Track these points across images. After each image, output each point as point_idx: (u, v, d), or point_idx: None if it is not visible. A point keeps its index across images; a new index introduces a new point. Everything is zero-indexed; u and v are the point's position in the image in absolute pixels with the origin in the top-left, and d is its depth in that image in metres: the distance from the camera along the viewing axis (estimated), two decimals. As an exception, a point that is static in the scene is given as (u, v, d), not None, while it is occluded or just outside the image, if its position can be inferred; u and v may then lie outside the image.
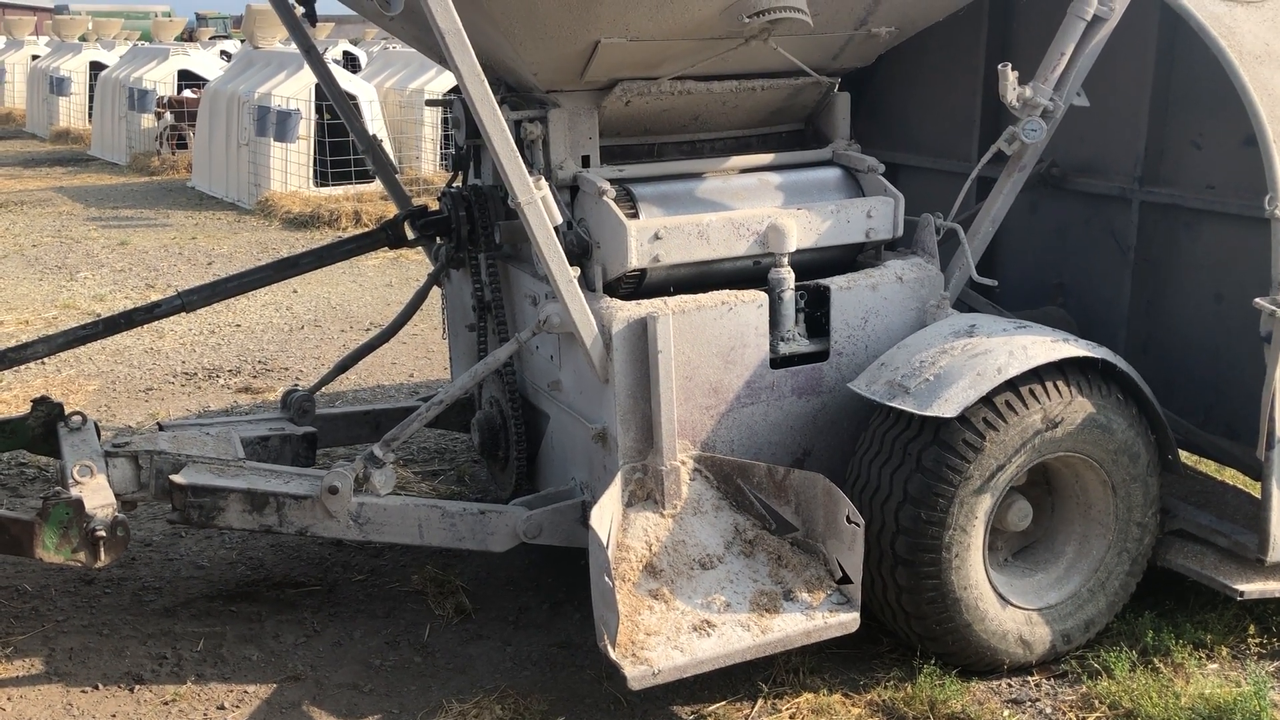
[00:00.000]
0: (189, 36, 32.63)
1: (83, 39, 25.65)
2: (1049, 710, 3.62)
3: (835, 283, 3.94)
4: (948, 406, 3.52)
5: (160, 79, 17.84)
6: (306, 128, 13.08)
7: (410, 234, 4.53)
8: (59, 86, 21.12)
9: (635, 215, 3.91)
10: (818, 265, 4.12)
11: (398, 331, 4.95)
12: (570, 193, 4.03)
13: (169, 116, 16.58)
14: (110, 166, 17.77)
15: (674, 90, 4.03)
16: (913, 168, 5.85)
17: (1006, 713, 3.61)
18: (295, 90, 13.36)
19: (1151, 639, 3.84)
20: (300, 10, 4.57)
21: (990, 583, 3.72)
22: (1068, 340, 3.71)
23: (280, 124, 12.46)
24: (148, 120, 17.06)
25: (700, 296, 3.77)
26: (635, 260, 3.76)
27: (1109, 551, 3.88)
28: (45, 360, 7.59)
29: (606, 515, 3.52)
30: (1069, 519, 3.96)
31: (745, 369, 3.84)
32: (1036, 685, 3.76)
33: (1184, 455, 4.27)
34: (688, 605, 3.54)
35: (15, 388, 7.02)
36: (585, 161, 4.03)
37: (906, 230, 4.25)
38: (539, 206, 3.42)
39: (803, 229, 3.96)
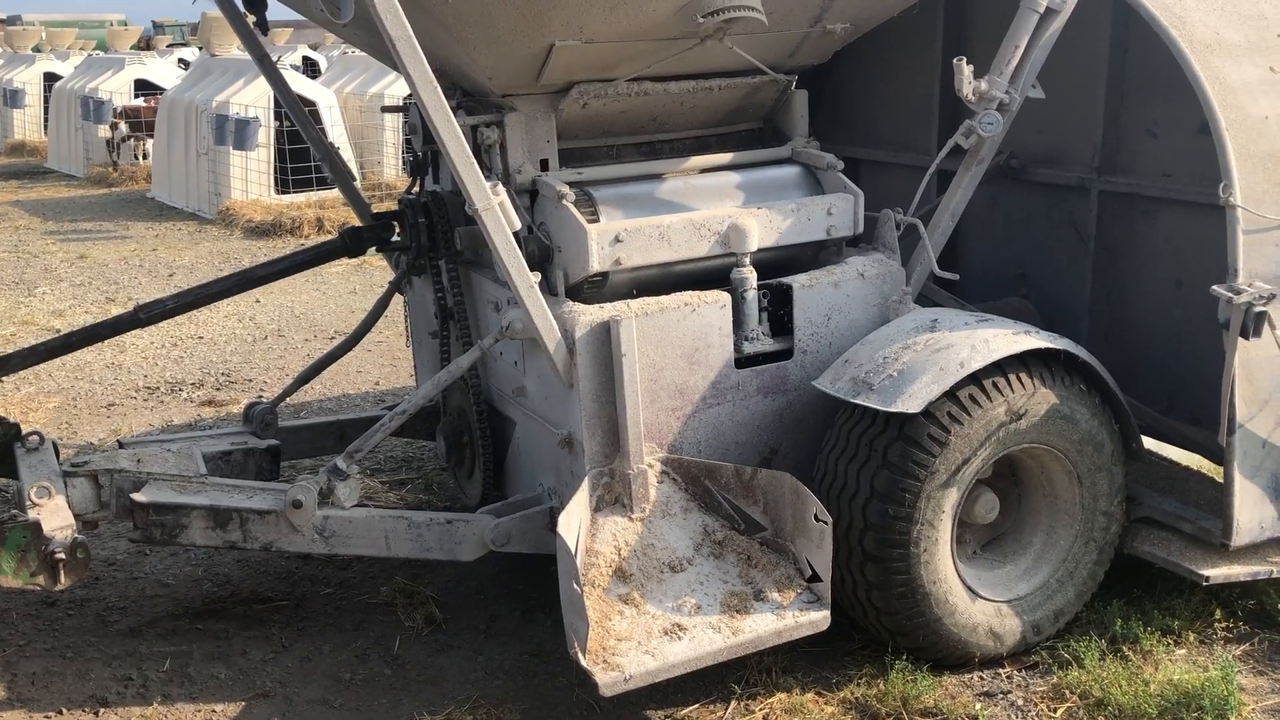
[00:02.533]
0: (146, 45, 32.29)
1: (36, 49, 25.32)
2: (1020, 702, 3.64)
3: (798, 281, 3.93)
4: (912, 402, 3.52)
5: (117, 89, 17.64)
6: (266, 135, 12.97)
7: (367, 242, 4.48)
8: (12, 99, 20.85)
9: (595, 218, 3.89)
10: (780, 264, 4.11)
11: (359, 341, 4.91)
12: (530, 197, 4.00)
13: (124, 127, 16.39)
14: (67, 179, 17.56)
15: (631, 91, 4.00)
16: (874, 162, 5.86)
17: (979, 706, 3.61)
18: (254, 98, 13.24)
19: (1120, 627, 3.86)
20: (251, 19, 4.51)
21: (959, 576, 3.73)
22: (1029, 332, 3.72)
23: (239, 132, 12.35)
24: (104, 131, 16.86)
25: (663, 298, 3.76)
26: (596, 264, 3.74)
27: (1076, 541, 3.90)
28: (3, 379, 7.49)
29: (574, 521, 3.50)
30: (1036, 510, 3.97)
31: (710, 369, 3.82)
32: (1008, 677, 3.77)
33: (1148, 442, 4.30)
34: (658, 609, 3.52)
35: (-27, 407, 6.91)
36: (544, 165, 4.00)
37: (868, 226, 4.25)
38: (497, 212, 3.39)
39: (764, 228, 3.95)
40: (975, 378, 3.61)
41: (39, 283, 10.39)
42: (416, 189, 4.56)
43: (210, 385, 7.28)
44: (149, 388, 7.25)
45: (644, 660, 3.33)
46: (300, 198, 13.27)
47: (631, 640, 3.40)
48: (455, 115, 4.00)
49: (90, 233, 12.89)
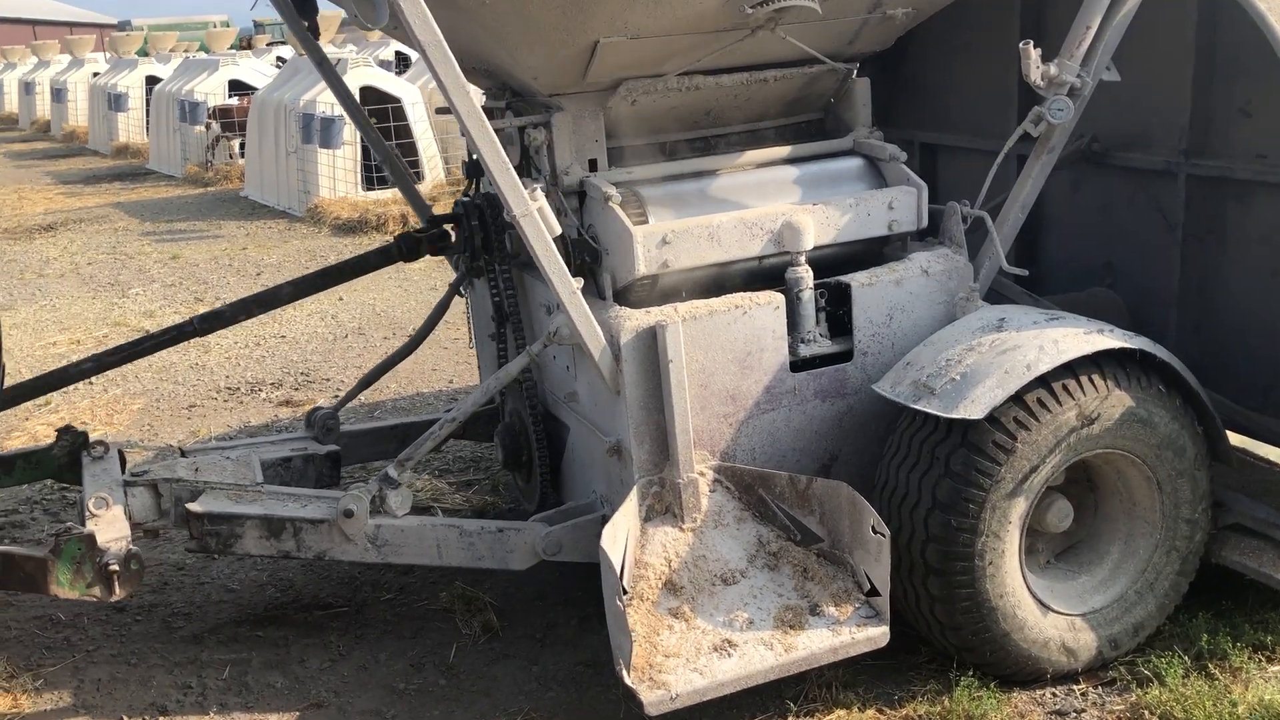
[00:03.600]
0: (246, 45, 33.03)
1: (140, 54, 26.07)
2: (1095, 722, 3.45)
3: (856, 279, 3.77)
4: (974, 408, 3.34)
5: (211, 90, 18.04)
6: (352, 133, 13.11)
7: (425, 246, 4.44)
8: (117, 103, 21.49)
9: (644, 219, 3.78)
10: (840, 261, 3.96)
11: (420, 343, 4.88)
12: (578, 199, 3.91)
13: (216, 127, 16.75)
14: (167, 179, 18.03)
15: (681, 87, 3.88)
16: (952, 148, 5.65)
17: (1050, 726, 3.44)
18: (339, 96, 13.37)
19: (1206, 642, 3.63)
20: (304, 23, 4.49)
21: (1028, 589, 3.54)
22: (1103, 331, 3.51)
23: (325, 130, 12.51)
24: (199, 131, 17.26)
25: (713, 301, 3.63)
26: (644, 267, 3.63)
27: (1157, 551, 3.68)
28: (93, 380, 7.68)
29: (621, 533, 3.41)
30: (1113, 518, 3.76)
31: (764, 374, 3.69)
32: (1083, 695, 3.57)
33: (1243, 442, 4.05)
34: (709, 624, 3.41)
35: (63, 409, 7.09)
36: (593, 165, 3.91)
37: (934, 221, 4.06)
38: (535, 218, 3.30)
39: (820, 225, 3.80)
40: (1044, 380, 3.42)
41: (132, 284, 10.66)
42: (473, 191, 4.51)
43: (289, 385, 7.36)
44: (229, 388, 7.36)
45: (692, 679, 3.22)
46: (386, 194, 13.39)
47: (680, 657, 3.30)
48: (504, 116, 3.96)
49: (184, 233, 13.19)
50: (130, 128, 21.75)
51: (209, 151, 17.18)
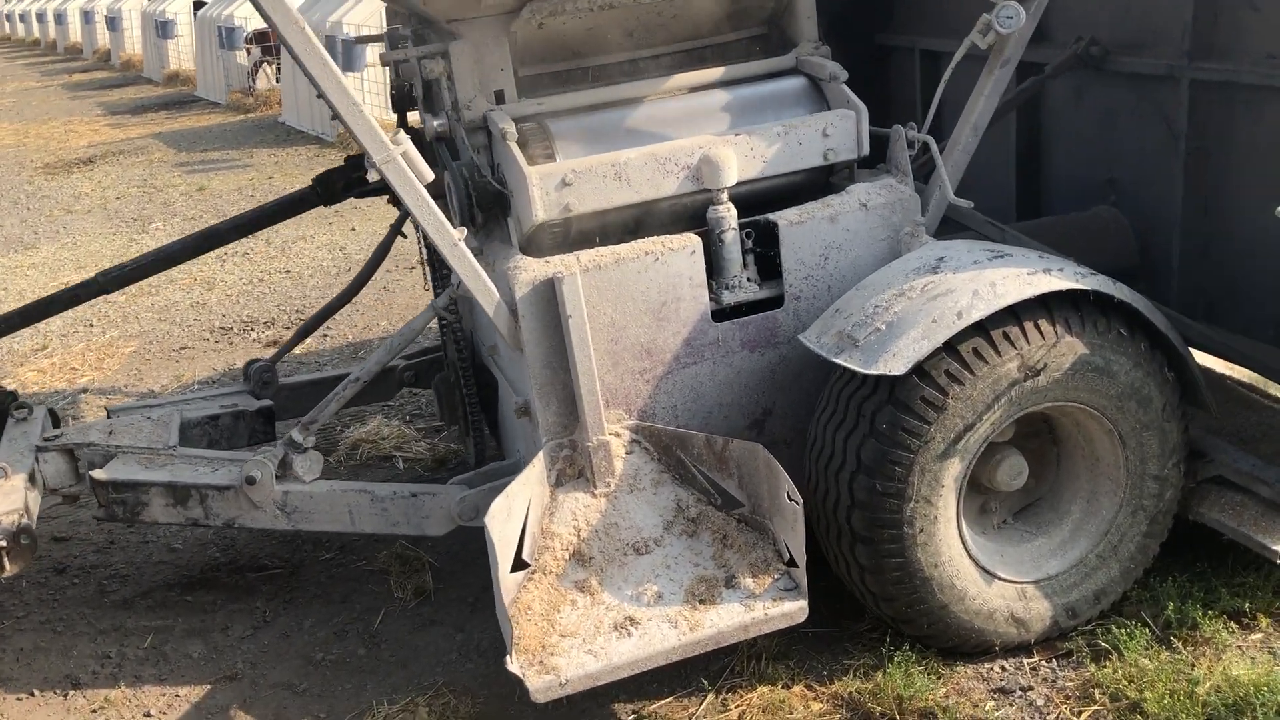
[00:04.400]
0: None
1: (189, -22, 25.90)
2: (1040, 701, 3.14)
3: (784, 217, 3.41)
4: (896, 362, 3.00)
5: (250, 14, 17.80)
6: (375, 55, 12.78)
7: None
8: (165, 30, 21.40)
9: (551, 157, 3.46)
10: (780, 196, 3.59)
11: (361, 288, 4.63)
12: (487, 135, 3.59)
13: (256, 51, 16.56)
14: (212, 106, 17.96)
15: (592, 6, 3.52)
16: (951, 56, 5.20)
17: (990, 705, 3.14)
18: (364, 16, 13.07)
19: (1174, 610, 3.28)
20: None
21: (970, 556, 3.22)
22: (1051, 270, 3.11)
23: (346, 53, 12.20)
24: (240, 57, 17.09)
25: (620, 248, 3.31)
26: (541, 212, 3.31)
27: (1121, 510, 3.32)
28: (93, 322, 7.62)
29: (518, 504, 3.16)
30: (1075, 474, 3.40)
31: (682, 325, 3.37)
32: (1033, 669, 3.26)
33: (1255, 378, 3.63)
34: (615, 598, 3.16)
35: (58, 354, 7.04)
36: (500, 98, 3.58)
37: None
38: (399, 164, 3.00)
39: (744, 157, 3.43)
40: (981, 328, 3.05)
41: (154, 219, 10.59)
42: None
43: (281, 324, 7.20)
44: (223, 328, 7.23)
45: (584, 661, 2.98)
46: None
47: (577, 637, 3.06)
48: (403, 47, 3.65)
49: (215, 163, 13.08)
50: (180, 55, 21.68)
51: (250, 77, 17.03)
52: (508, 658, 2.94)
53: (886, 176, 3.57)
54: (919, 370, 3.04)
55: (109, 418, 4.22)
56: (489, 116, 3.49)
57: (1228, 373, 4.14)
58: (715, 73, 3.72)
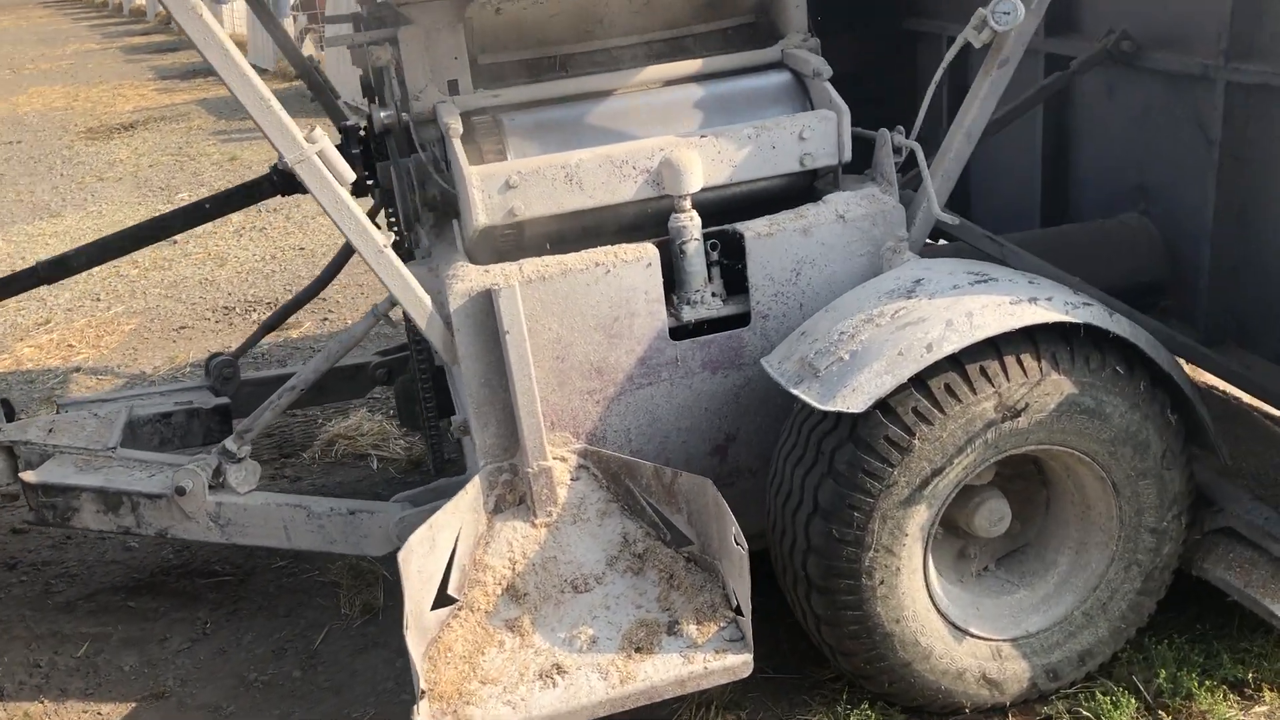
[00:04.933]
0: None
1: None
2: (1007, 776, 2.84)
3: (751, 228, 3.11)
4: (855, 398, 2.70)
5: (300, -20, 17.67)
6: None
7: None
8: (219, -6, 21.35)
9: (501, 155, 3.19)
10: (757, 203, 3.29)
11: (329, 282, 4.41)
12: (437, 127, 3.32)
13: (303, 18, 16.42)
14: (260, 74, 17.78)
15: (554, -9, 3.24)
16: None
17: (952, 777, 2.84)
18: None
19: (1166, 678, 2.96)
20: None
21: (938, 611, 2.92)
22: (1037, 299, 2.78)
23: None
24: (287, 24, 16.95)
25: (567, 258, 3.03)
26: (483, 216, 3.05)
27: (1112, 564, 3.00)
28: (100, 296, 7.50)
29: (443, 535, 2.92)
30: (1063, 521, 3.08)
31: (636, 343, 3.10)
32: (1006, 736, 2.96)
33: None
34: (547, 641, 2.91)
35: (59, 329, 6.92)
36: (453, 88, 3.31)
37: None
38: (314, 164, 2.75)
39: (710, 162, 3.13)
40: (956, 362, 2.74)
41: (181, 189, 10.47)
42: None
43: (285, 305, 7.01)
44: (226, 308, 7.07)
45: (501, 714, 2.73)
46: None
47: (498, 684, 2.81)
48: (352, 30, 3.40)
49: (251, 132, 12.93)
50: (235, 20, 21.60)
51: (298, 43, 16.89)
52: (415, 707, 2.70)
53: (870, 186, 3.25)
54: (884, 406, 2.74)
55: (56, 412, 4.04)
56: (437, 109, 3.22)
57: (1254, 405, 3.78)
58: (692, 65, 3.42)
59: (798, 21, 3.49)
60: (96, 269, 7.11)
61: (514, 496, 3.11)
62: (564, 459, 3.11)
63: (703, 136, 3.12)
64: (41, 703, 3.47)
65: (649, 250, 3.05)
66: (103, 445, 3.68)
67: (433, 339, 3.01)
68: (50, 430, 3.78)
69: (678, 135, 3.13)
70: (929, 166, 3.17)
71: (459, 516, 2.99)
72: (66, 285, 7.75)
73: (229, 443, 3.44)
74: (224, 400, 4.17)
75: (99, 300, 7.42)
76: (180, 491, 3.38)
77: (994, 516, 3.00)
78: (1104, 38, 3.97)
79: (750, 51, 3.47)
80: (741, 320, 3.16)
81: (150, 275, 7.82)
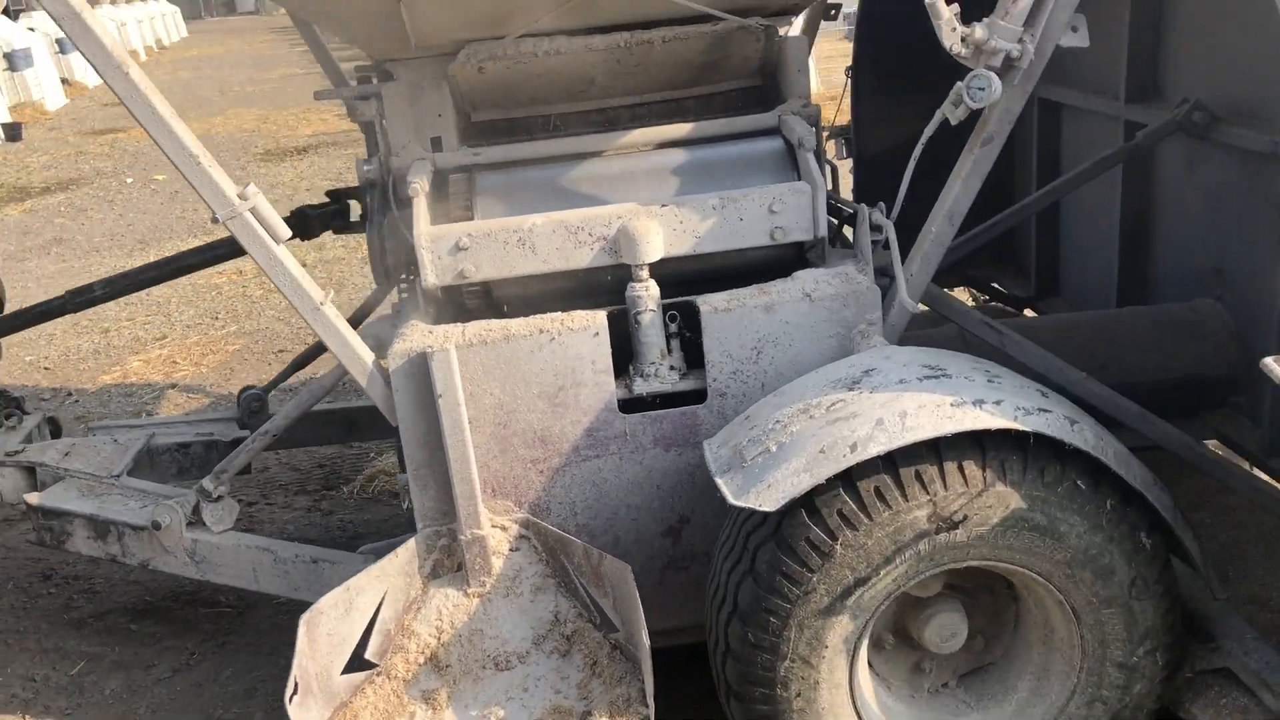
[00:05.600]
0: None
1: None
2: None
3: (709, 302, 2.97)
4: (769, 495, 2.52)
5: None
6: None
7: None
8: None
9: (470, 214, 3.15)
10: (744, 272, 3.13)
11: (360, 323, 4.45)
12: (422, 184, 3.31)
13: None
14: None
15: (537, 51, 3.18)
16: (1076, 108, 4.57)
17: None
18: None
19: (1125, 837, 2.64)
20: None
21: (869, 732, 2.69)
22: (984, 402, 2.53)
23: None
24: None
25: (512, 323, 2.96)
26: (433, 276, 3.00)
27: (1074, 698, 2.71)
28: (219, 315, 7.85)
29: (365, 596, 2.88)
30: (1028, 643, 2.81)
31: (583, 414, 2.99)
32: None
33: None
34: (456, 718, 2.82)
35: (171, 345, 7.27)
36: (437, 144, 3.30)
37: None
38: (246, 220, 2.76)
39: (671, 231, 3.01)
40: (891, 463, 2.53)
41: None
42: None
43: (380, 335, 7.18)
44: (326, 334, 7.26)
45: (387, 790, 2.67)
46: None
47: (395, 758, 2.74)
48: (343, 86, 3.44)
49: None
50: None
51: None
52: (297, 776, 2.65)
53: (847, 263, 3.05)
54: (809, 506, 2.55)
55: (90, 434, 4.21)
56: (409, 166, 3.21)
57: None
58: (683, 129, 3.31)
59: (799, 86, 3.33)
60: (226, 288, 7.44)
61: (452, 562, 3.04)
62: (505, 528, 3.03)
63: (664, 205, 3.00)
64: (25, 718, 3.59)
65: (597, 319, 2.94)
66: (108, 472, 3.81)
67: (374, 397, 2.98)
68: (67, 453, 3.93)
69: (640, 203, 3.02)
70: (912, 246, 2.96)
71: (385, 580, 2.94)
72: (191, 302, 8.16)
73: (206, 482, 3.50)
74: (244, 434, 4.25)
75: (216, 319, 7.76)
76: (156, 526, 3.46)
77: (945, 632, 2.75)
78: (1176, 106, 3.67)
79: (744, 116, 3.33)
80: (698, 397, 3.02)
81: (272, 297, 8.13)
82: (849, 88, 4.71)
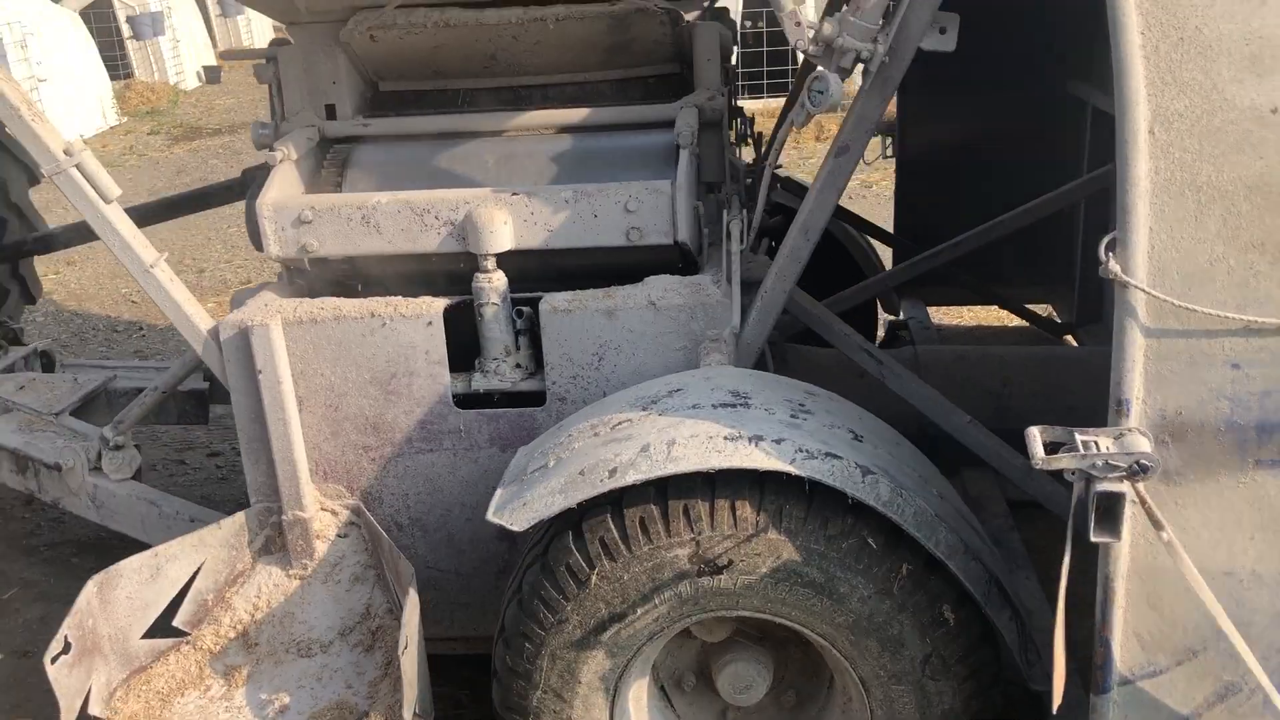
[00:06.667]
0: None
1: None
2: None
3: (550, 301, 2.79)
4: (521, 514, 2.34)
5: None
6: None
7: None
8: None
9: (339, 187, 3.07)
10: (626, 272, 2.94)
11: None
12: (317, 152, 3.25)
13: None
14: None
15: (426, 22, 3.06)
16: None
17: None
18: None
19: None
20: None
21: (630, 779, 2.49)
22: (762, 439, 2.26)
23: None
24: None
25: (344, 303, 2.87)
26: (276, 247, 2.93)
27: (864, 777, 2.43)
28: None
29: (177, 565, 2.87)
30: (834, 706, 2.54)
31: (415, 404, 2.88)
32: None
33: None
34: (245, 699, 2.78)
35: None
36: (330, 112, 3.22)
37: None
38: (72, 176, 2.75)
39: (522, 222, 2.84)
40: (662, 494, 2.31)
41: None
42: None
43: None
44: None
45: (145, 762, 2.65)
46: (757, 104, 12.72)
47: (172, 731, 2.72)
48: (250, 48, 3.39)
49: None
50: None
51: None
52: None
53: (703, 274, 2.82)
54: (576, 530, 2.36)
55: (62, 370, 4.37)
56: (289, 133, 3.15)
57: None
58: (579, 114, 3.12)
59: (709, 77, 3.10)
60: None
61: (282, 541, 2.99)
62: (335, 512, 2.96)
63: (514, 194, 2.83)
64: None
65: (432, 308, 2.81)
66: (50, 409, 3.94)
67: (211, 365, 2.94)
68: (22, 387, 4.09)
69: (493, 190, 2.86)
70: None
71: (203, 550, 2.92)
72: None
73: (106, 430, 3.56)
74: (202, 385, 4.32)
75: (304, 269, 7.97)
76: (57, 467, 3.54)
77: (740, 682, 2.52)
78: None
79: (646, 106, 3.12)
80: (540, 399, 2.86)
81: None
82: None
